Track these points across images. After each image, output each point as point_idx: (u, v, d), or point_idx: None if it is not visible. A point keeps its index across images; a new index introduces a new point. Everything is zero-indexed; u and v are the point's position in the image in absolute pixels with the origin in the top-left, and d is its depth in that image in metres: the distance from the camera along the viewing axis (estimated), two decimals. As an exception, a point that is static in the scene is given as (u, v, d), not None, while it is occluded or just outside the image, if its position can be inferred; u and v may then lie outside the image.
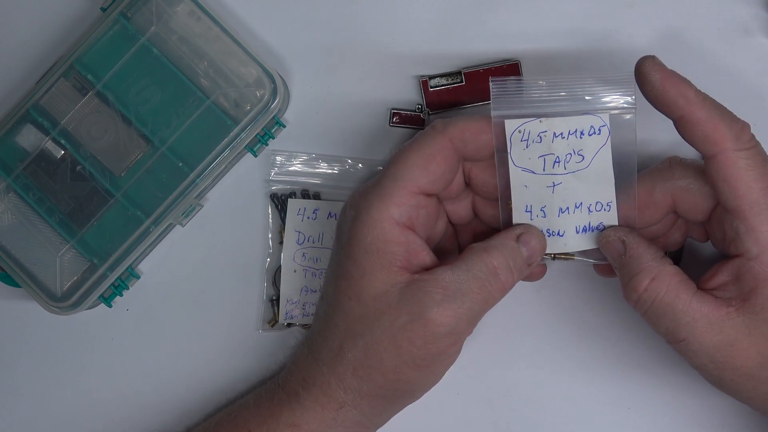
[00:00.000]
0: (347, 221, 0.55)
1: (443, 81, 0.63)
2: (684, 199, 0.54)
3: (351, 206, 0.55)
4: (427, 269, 0.54)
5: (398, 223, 0.54)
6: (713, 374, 0.53)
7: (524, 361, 0.63)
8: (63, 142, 0.62)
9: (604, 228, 0.56)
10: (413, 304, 0.52)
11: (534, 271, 0.58)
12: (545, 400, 0.63)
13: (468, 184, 0.58)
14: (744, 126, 0.52)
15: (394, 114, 0.63)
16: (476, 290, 0.53)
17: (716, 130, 0.51)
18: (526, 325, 0.63)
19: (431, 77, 0.63)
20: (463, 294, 0.53)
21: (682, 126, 0.52)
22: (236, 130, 0.61)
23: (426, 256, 0.55)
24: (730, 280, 0.53)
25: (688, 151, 0.61)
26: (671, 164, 0.56)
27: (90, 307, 0.64)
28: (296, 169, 0.64)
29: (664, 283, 0.53)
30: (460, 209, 0.59)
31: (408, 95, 0.63)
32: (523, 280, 0.58)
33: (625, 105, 0.54)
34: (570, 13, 0.62)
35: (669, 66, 0.62)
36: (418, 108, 0.63)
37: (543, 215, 0.56)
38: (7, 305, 0.66)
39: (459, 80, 0.62)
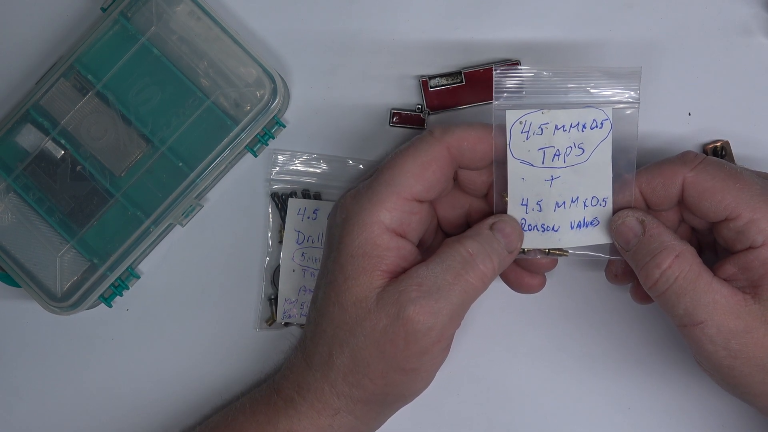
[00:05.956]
0: (338, 224, 0.54)
1: (443, 81, 0.62)
2: (695, 186, 0.53)
3: (342, 209, 0.55)
4: None
5: (388, 229, 0.53)
6: (724, 363, 0.51)
7: (524, 361, 0.63)
8: (63, 142, 0.62)
9: (599, 223, 0.55)
10: (390, 306, 0.51)
11: (533, 282, 0.57)
12: (545, 400, 0.63)
13: (455, 179, 0.57)
14: (686, 152, 0.54)
15: (394, 114, 0.63)
16: (452, 281, 0.52)
17: (669, 170, 0.53)
18: (526, 325, 0.63)
19: (431, 77, 0.62)
20: (439, 288, 0.51)
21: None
22: (236, 130, 0.61)
23: (416, 263, 0.54)
24: (737, 271, 0.52)
25: (688, 147, 0.62)
26: (684, 155, 0.55)
27: (90, 307, 0.64)
28: (297, 168, 0.64)
29: (688, 261, 0.51)
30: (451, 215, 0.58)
31: (408, 95, 0.63)
32: (523, 291, 0.58)
33: (629, 99, 0.54)
34: (570, 12, 0.62)
35: (668, 66, 0.62)
36: (418, 108, 0.63)
37: (539, 209, 0.55)
38: (7, 305, 0.66)
39: (459, 80, 0.62)
